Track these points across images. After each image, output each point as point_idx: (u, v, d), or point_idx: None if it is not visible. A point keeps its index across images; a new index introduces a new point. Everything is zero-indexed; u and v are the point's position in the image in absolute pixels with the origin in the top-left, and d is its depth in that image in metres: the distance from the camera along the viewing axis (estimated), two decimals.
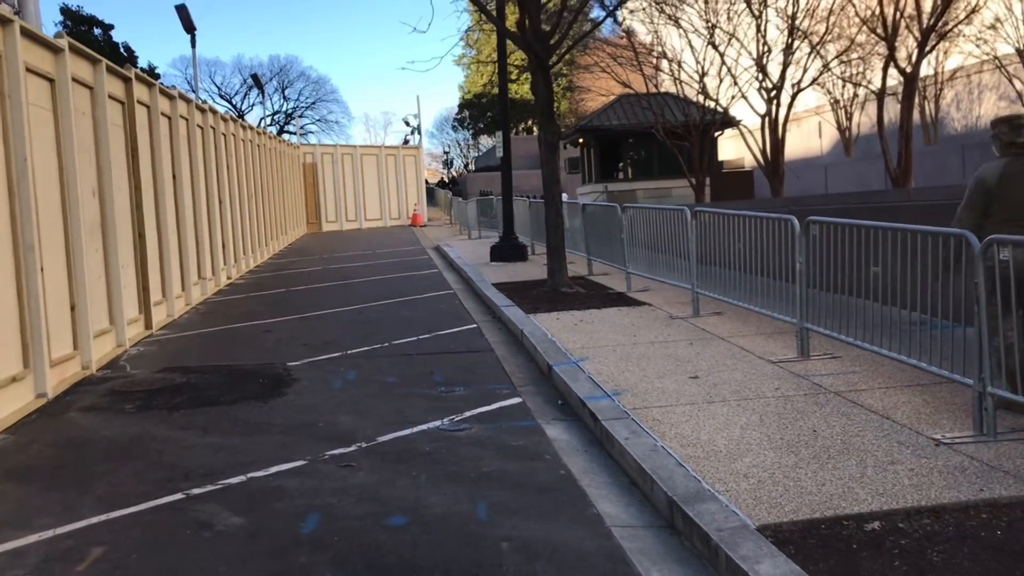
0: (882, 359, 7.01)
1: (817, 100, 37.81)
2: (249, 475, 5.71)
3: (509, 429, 6.54)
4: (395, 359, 9.30)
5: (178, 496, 5.38)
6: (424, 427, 6.67)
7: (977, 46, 25.33)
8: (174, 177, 13.72)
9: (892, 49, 14.21)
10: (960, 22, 17.01)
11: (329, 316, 12.57)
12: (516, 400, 7.40)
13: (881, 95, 16.54)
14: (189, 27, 19.69)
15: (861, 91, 35.18)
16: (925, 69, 22.53)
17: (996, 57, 26.35)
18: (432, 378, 8.33)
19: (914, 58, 14.70)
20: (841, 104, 36.29)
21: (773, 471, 4.94)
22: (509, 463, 5.75)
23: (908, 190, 13.16)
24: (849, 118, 36.58)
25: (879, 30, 14.74)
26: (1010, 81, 26.31)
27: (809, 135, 41.04)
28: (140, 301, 11.43)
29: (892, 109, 38.19)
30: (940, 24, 13.92)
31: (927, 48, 14.40)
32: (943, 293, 5.90)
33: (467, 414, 7.00)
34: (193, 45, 19.97)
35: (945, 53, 24.46)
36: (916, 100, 25.03)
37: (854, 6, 15.64)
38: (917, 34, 14.50)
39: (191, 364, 9.49)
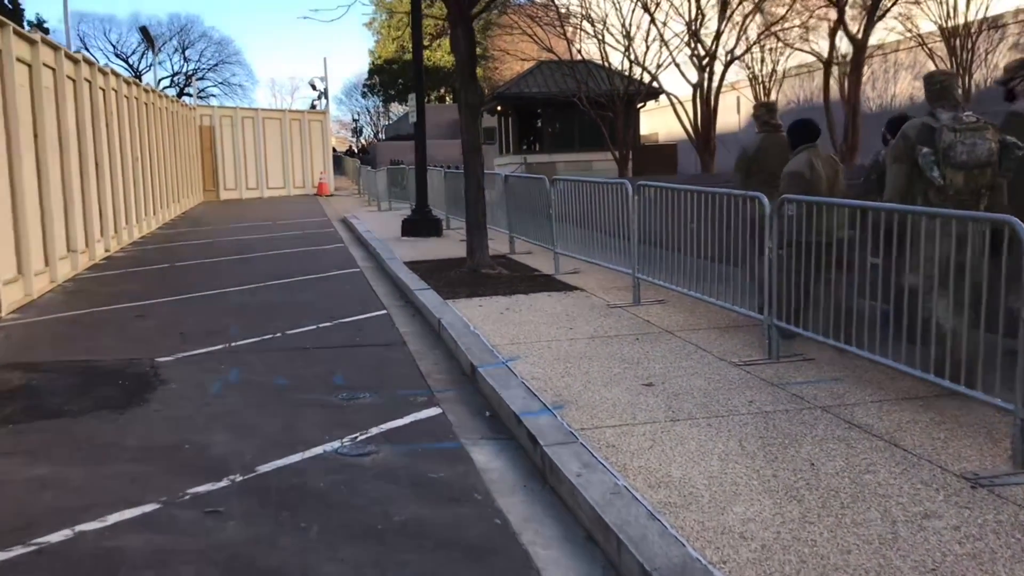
0: (867, 363, 5.96)
1: (735, 75, 37.25)
2: (78, 528, 4.26)
3: (426, 453, 5.24)
4: (289, 354, 7.87)
5: None
6: (319, 450, 5.31)
7: (901, 23, 24.82)
8: (35, 135, 11.86)
9: (842, 13, 13.27)
10: None
11: (216, 298, 10.99)
12: (434, 411, 6.09)
13: (828, 62, 15.66)
14: None
15: (780, 67, 34.76)
16: (841, 46, 21.91)
17: (919, 35, 25.95)
18: (331, 380, 6.95)
19: (862, 26, 13.85)
20: (760, 80, 35.79)
21: (778, 529, 3.76)
22: (428, 507, 4.45)
23: (860, 167, 12.30)
24: (767, 94, 36.12)
25: None
26: (931, 58, 25.94)
27: (726, 111, 40.40)
28: None
29: (810, 85, 37.91)
30: None
31: (875, 14, 13.56)
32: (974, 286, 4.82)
33: (373, 431, 5.66)
34: None
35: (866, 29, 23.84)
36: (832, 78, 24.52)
37: None
38: None
39: (39, 359, 7.87)
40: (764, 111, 8.19)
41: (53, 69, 12.85)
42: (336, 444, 5.42)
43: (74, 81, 14.07)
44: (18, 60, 11.13)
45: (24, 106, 11.31)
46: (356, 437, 5.53)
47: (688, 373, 6.24)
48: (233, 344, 8.24)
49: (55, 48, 13.00)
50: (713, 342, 7.15)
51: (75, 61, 14.15)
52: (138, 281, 12.66)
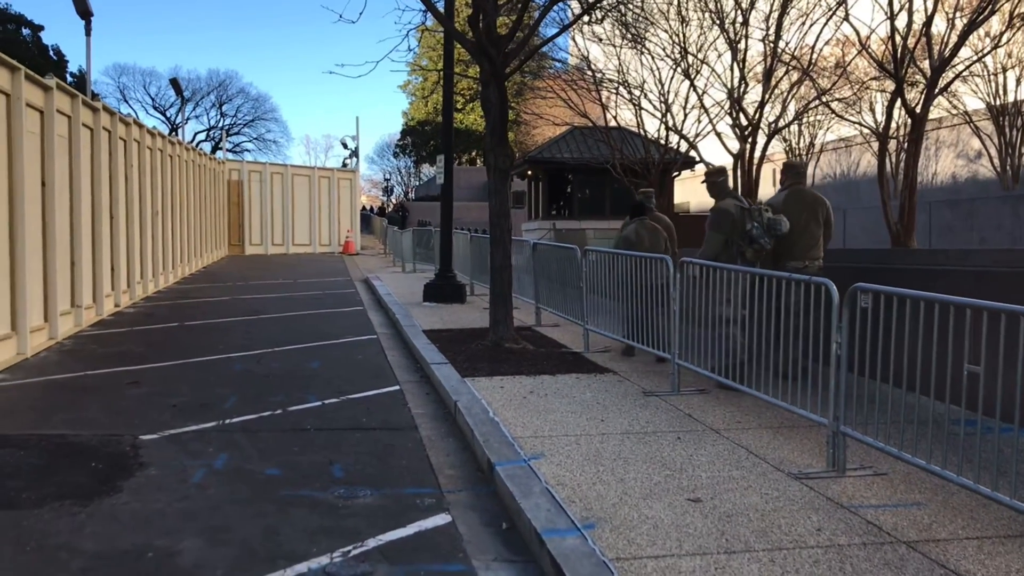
0: (948, 483, 5.04)
1: (771, 147, 36.62)
2: None
3: None
4: (286, 436, 7.05)
5: None
6: (303, 568, 4.46)
7: (947, 99, 24.13)
8: (43, 183, 11.31)
9: (901, 83, 12.53)
10: (976, 60, 15.56)
11: (218, 364, 10.23)
12: (443, 518, 5.23)
13: (884, 136, 14.87)
14: (84, 12, 17.13)
15: (817, 141, 34.12)
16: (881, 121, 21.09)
17: (966, 112, 25.23)
18: (330, 471, 6.12)
19: (921, 98, 13.12)
20: (796, 153, 35.14)
21: None
22: None
23: (927, 251, 11.44)
24: (805, 167, 35.45)
25: (887, 64, 13.13)
26: (978, 135, 25.18)
27: (762, 183, 39.86)
28: None
29: (847, 159, 37.22)
30: (951, 60, 12.37)
31: (936, 88, 12.83)
32: None
33: (370, 543, 4.81)
34: (88, 33, 17.45)
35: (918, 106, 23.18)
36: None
37: (858, 34, 13.94)
38: (926, 68, 12.91)
39: (9, 431, 7.11)
40: (643, 197, 10.88)
41: (68, 116, 12.36)
42: (324, 560, 4.56)
43: (91, 130, 13.60)
44: (29, 106, 10.63)
45: (32, 153, 10.77)
46: (349, 551, 4.68)
47: (741, 486, 5.35)
48: (227, 421, 7.44)
49: (72, 95, 12.54)
50: (766, 445, 6.26)
51: (93, 109, 13.70)
52: (142, 341, 11.96)
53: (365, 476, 6.02)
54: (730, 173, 17.98)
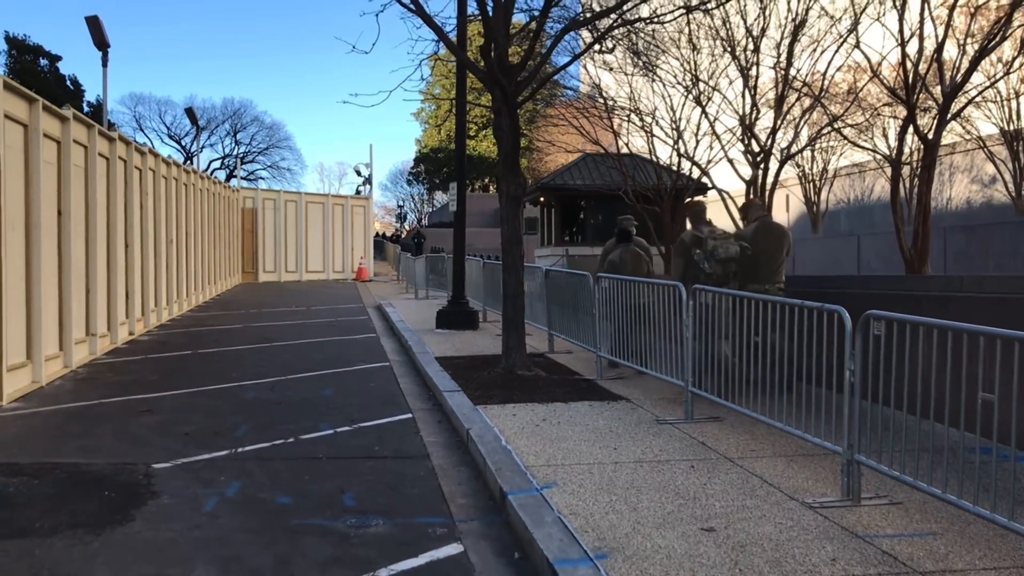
0: (964, 512, 4.98)
1: (784, 173, 36.59)
2: None
3: None
4: (298, 464, 7.05)
5: None
6: None
7: (960, 124, 24.08)
8: (60, 212, 11.42)
9: (913, 109, 12.54)
10: (988, 86, 15.58)
11: (231, 392, 10.25)
12: (454, 548, 5.20)
13: (897, 161, 14.83)
14: (101, 43, 17.41)
15: (831, 166, 34.13)
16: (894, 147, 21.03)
17: (980, 137, 25.16)
18: (342, 500, 6.11)
19: (933, 124, 13.11)
20: (809, 178, 35.15)
21: None
22: None
23: (941, 277, 11.37)
24: (818, 192, 35.43)
25: (899, 91, 13.15)
26: (992, 160, 25.08)
27: (776, 208, 39.82)
28: None
29: (861, 184, 37.14)
30: (963, 86, 12.36)
31: (948, 114, 12.81)
32: None
33: (382, 573, 4.79)
34: (104, 63, 17.69)
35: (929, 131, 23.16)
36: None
37: (869, 61, 13.99)
38: (938, 94, 12.91)
39: (24, 460, 7.13)
40: (626, 224, 11.45)
41: (85, 146, 12.49)
42: None
43: (107, 159, 13.74)
44: (46, 136, 10.75)
45: (49, 183, 10.89)
46: None
47: (755, 516, 5.31)
48: (239, 450, 7.45)
49: (88, 125, 12.69)
50: (780, 474, 6.21)
51: (110, 139, 13.85)
52: (155, 369, 12.00)
53: (377, 505, 6.00)
54: (737, 200, 18.14)
